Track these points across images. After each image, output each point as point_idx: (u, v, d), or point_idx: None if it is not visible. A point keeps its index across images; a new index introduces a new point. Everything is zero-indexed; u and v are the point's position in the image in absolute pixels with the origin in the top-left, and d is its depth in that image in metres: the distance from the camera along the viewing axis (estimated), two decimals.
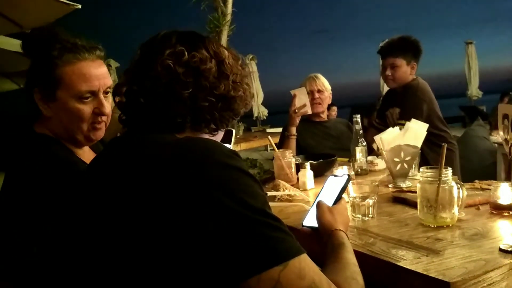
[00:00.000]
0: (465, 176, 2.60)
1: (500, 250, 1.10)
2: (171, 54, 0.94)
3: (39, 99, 1.28)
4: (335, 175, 1.42)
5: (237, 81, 1.01)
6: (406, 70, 2.79)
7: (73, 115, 1.28)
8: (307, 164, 1.99)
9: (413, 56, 2.79)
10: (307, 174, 1.96)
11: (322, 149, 2.70)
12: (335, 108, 6.88)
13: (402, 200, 1.62)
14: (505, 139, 1.14)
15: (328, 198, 1.29)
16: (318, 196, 1.34)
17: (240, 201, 0.77)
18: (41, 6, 3.57)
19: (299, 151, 2.65)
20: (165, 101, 0.94)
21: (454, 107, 12.10)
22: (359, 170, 2.18)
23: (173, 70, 0.93)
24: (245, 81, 1.04)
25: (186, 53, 0.95)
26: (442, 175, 1.33)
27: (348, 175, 1.37)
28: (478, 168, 4.49)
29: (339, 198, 1.27)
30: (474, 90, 9.58)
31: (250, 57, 8.70)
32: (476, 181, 1.77)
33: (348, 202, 1.49)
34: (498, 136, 4.82)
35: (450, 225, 1.33)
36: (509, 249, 1.08)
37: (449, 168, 1.34)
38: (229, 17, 5.92)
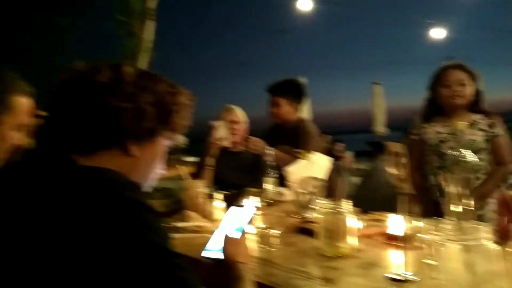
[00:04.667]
0: (371, 207, 2.76)
1: (388, 279, 1.18)
2: None
3: None
4: (239, 206, 1.43)
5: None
6: (288, 110, 2.98)
7: None
8: (218, 195, 2.00)
9: (294, 98, 3.00)
10: (217, 205, 1.96)
11: (236, 179, 2.72)
12: (253, 138, 6.99)
13: (306, 230, 1.68)
14: (396, 175, 1.25)
15: (231, 229, 1.30)
16: (218, 227, 1.34)
17: (142, 238, 0.75)
18: None
19: (215, 182, 2.65)
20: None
21: (362, 142, 12.94)
22: (268, 201, 2.22)
23: None
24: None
25: None
26: (341, 207, 1.41)
27: (253, 207, 1.39)
28: (382, 200, 4.78)
29: (242, 230, 1.29)
30: (380, 127, 10.31)
31: None
32: (375, 212, 1.89)
33: (254, 233, 1.51)
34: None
35: (347, 254, 1.40)
36: (396, 278, 1.16)
37: (349, 200, 1.43)
38: (149, 44, 5.85)
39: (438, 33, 8.78)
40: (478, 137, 2.24)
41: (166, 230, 0.81)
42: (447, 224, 0.98)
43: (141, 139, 0.98)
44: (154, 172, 1.05)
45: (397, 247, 1.49)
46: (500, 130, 2.27)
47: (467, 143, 2.25)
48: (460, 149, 1.66)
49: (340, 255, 1.39)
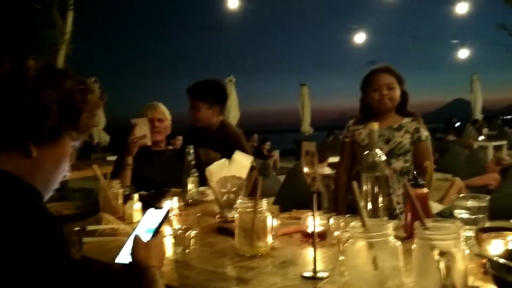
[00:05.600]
0: (294, 205, 2.80)
1: (302, 277, 1.19)
2: None
3: None
4: (156, 208, 1.38)
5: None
6: (207, 114, 2.89)
7: None
8: (135, 196, 1.92)
9: (214, 102, 2.91)
10: (134, 206, 1.88)
11: (158, 179, 2.64)
12: (180, 137, 6.88)
13: (225, 230, 1.66)
14: (307, 173, 1.26)
15: (145, 232, 1.25)
16: (134, 230, 1.28)
17: (22, 247, 0.68)
18: None
19: (135, 181, 2.54)
20: None
21: (290, 141, 13.32)
22: (190, 200, 2.18)
23: None
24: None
25: None
26: (258, 205, 1.40)
27: (168, 209, 1.35)
28: (305, 198, 4.91)
29: (156, 232, 1.24)
30: (306, 127, 10.67)
31: (93, 79, 8.23)
32: (294, 210, 1.92)
33: (170, 234, 1.46)
34: (323, 169, 5.41)
35: (264, 253, 1.40)
36: (310, 276, 1.18)
37: (265, 199, 1.43)
38: (67, 36, 5.53)
39: (360, 37, 9.24)
40: (405, 139, 2.35)
41: (58, 237, 0.75)
42: (356, 221, 1.00)
43: (44, 140, 0.91)
44: (59, 176, 0.98)
45: (313, 244, 1.52)
46: (425, 133, 2.39)
47: (395, 144, 2.36)
48: (376, 150, 1.72)
49: (257, 254, 1.38)
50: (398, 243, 0.97)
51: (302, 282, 1.15)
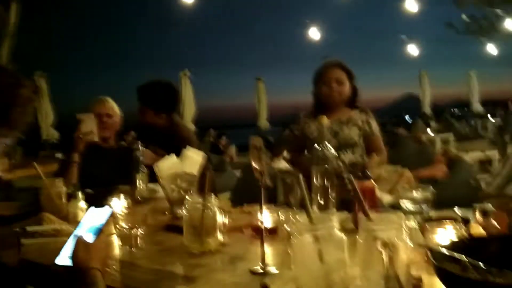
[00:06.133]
0: (250, 200, 2.78)
1: (251, 272, 1.17)
2: None
3: None
4: (99, 206, 1.32)
5: None
6: (154, 119, 2.77)
7: None
8: (79, 194, 1.83)
9: (161, 108, 2.75)
10: (79, 205, 1.80)
11: (106, 177, 2.54)
12: (133, 133, 6.70)
13: (174, 227, 1.62)
14: (256, 168, 1.25)
15: (87, 232, 1.19)
16: (75, 230, 1.22)
17: None
18: None
19: (83, 179, 2.44)
20: None
21: (247, 136, 13.31)
22: (139, 198, 2.12)
23: None
24: None
25: None
26: (207, 202, 1.37)
27: (111, 207, 1.30)
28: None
29: (99, 232, 1.19)
30: (263, 122, 10.68)
31: (39, 74, 7.86)
32: (245, 205, 1.90)
33: (115, 234, 1.41)
34: (278, 163, 5.43)
35: (213, 250, 1.37)
36: (259, 272, 1.16)
37: (213, 194, 1.40)
38: (11, 28, 5.25)
39: (315, 33, 9.34)
40: (353, 132, 2.38)
41: None
42: (302, 215, 0.99)
43: None
44: None
45: (261, 239, 1.50)
46: (374, 127, 2.43)
47: (343, 137, 2.39)
48: (325, 143, 1.74)
49: (206, 251, 1.36)
50: (343, 235, 0.97)
51: (250, 277, 1.14)
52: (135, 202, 2.07)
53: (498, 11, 9.98)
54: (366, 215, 0.95)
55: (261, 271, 1.15)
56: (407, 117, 12.38)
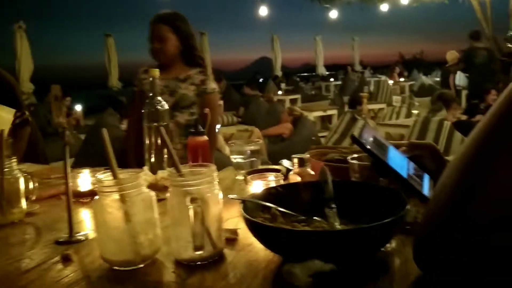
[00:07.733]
0: (96, 163, 2.53)
1: (56, 242, 1.02)
2: None
3: None
4: None
5: None
6: None
7: None
8: None
9: None
10: None
11: None
12: None
13: None
14: (58, 122, 1.08)
15: None
16: None
17: None
18: None
19: None
20: None
21: (96, 98, 12.42)
22: None
23: None
24: None
25: None
26: (5, 166, 1.16)
27: None
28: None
29: None
30: (114, 81, 10.04)
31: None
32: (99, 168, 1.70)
33: None
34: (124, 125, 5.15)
35: (17, 221, 1.18)
36: (64, 241, 1.02)
37: (14, 158, 1.19)
38: None
39: None
40: (190, 91, 2.29)
41: None
42: (106, 175, 0.87)
43: None
44: None
45: (84, 204, 1.35)
46: (211, 86, 2.36)
47: (180, 96, 2.28)
48: (157, 98, 1.62)
49: (8, 223, 1.16)
50: (152, 193, 0.88)
51: (52, 249, 0.98)
52: None
53: None
54: (178, 170, 0.88)
55: (67, 239, 1.01)
56: (261, 79, 12.89)
